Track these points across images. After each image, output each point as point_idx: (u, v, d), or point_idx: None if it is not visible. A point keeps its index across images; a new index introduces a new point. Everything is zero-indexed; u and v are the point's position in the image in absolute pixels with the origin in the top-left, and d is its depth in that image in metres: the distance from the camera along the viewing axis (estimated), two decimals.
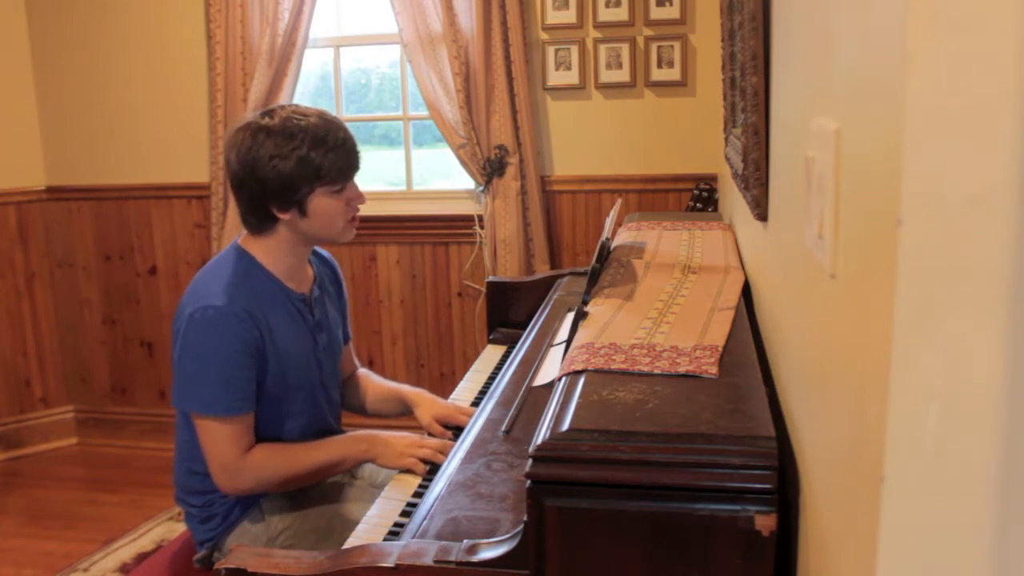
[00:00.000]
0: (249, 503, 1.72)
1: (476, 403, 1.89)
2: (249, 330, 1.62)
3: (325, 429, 1.83)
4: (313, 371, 1.77)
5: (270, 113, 1.66)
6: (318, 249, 1.90)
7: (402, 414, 1.99)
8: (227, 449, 1.63)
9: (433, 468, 1.60)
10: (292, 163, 1.61)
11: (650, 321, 1.36)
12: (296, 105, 1.70)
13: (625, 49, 3.13)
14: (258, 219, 1.69)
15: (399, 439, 1.70)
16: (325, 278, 1.88)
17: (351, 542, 1.37)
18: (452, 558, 1.07)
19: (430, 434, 1.83)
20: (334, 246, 1.92)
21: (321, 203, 1.66)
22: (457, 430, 1.77)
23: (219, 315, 1.60)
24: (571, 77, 3.18)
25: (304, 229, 1.69)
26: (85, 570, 2.73)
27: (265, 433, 1.70)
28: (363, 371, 2.07)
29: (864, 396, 0.62)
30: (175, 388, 1.66)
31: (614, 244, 2.03)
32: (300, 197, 1.64)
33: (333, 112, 1.74)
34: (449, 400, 1.94)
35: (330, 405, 1.86)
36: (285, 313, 1.71)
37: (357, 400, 2.03)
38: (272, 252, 1.71)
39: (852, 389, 0.67)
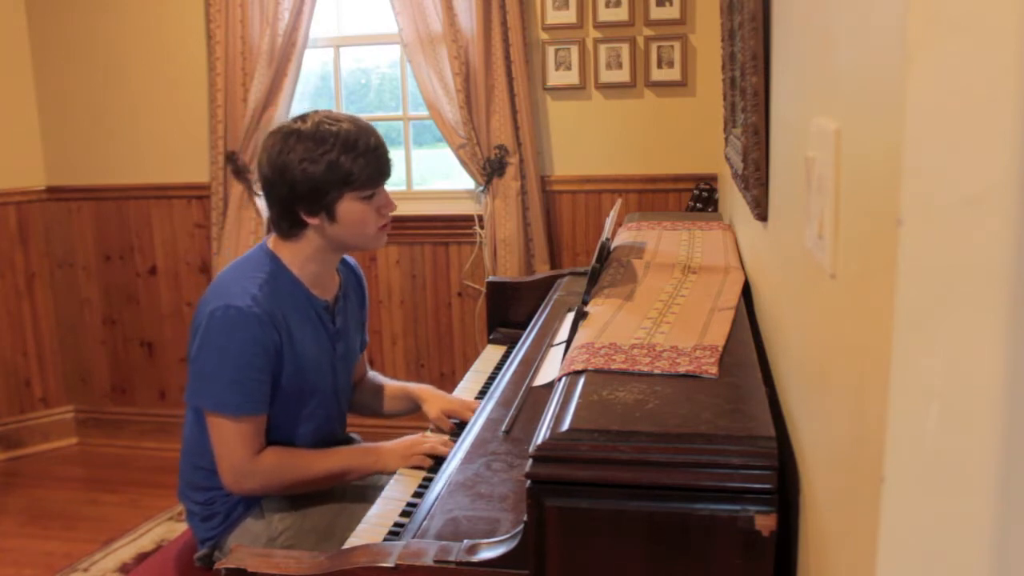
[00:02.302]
0: (251, 502, 1.73)
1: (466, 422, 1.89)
2: (268, 333, 1.62)
3: (332, 436, 1.84)
4: (328, 378, 1.78)
5: (303, 118, 1.66)
6: (346, 256, 1.90)
7: (410, 411, 2.01)
8: (237, 449, 1.63)
9: (439, 461, 1.62)
10: (322, 167, 1.61)
11: (650, 321, 1.36)
12: (330, 111, 1.69)
13: (625, 49, 3.13)
14: (288, 224, 1.68)
15: (400, 443, 1.72)
16: (350, 287, 1.88)
17: (351, 542, 1.37)
18: (452, 558, 1.07)
19: (437, 428, 1.86)
20: (366, 252, 1.92)
21: (350, 208, 1.66)
22: (460, 427, 1.78)
23: (240, 315, 1.60)
24: (571, 77, 3.18)
25: (333, 235, 1.68)
26: (85, 570, 2.74)
27: (275, 437, 1.70)
28: (372, 373, 2.08)
29: (864, 396, 0.62)
30: (189, 384, 1.67)
31: (614, 244, 2.03)
32: (329, 202, 1.64)
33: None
34: None
35: (339, 414, 1.88)
36: (306, 319, 1.71)
37: (373, 402, 2.04)
38: (300, 257, 1.71)
39: (852, 389, 0.67)
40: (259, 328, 1.60)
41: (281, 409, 1.69)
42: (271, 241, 1.74)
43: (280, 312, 1.65)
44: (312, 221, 1.66)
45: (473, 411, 1.78)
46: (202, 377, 1.64)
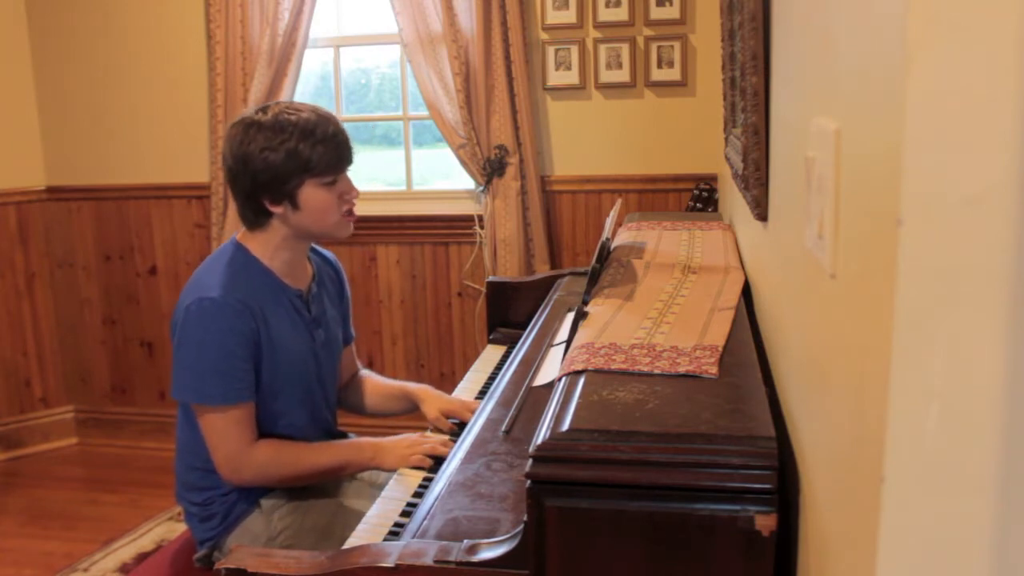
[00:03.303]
0: (250, 502, 1.73)
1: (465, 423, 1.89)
2: (246, 321, 1.63)
3: (321, 427, 1.84)
4: (310, 367, 1.78)
5: (264, 109, 1.69)
6: (321, 249, 1.91)
7: (407, 411, 2.00)
8: (230, 439, 1.64)
9: (439, 461, 1.62)
10: (281, 155, 1.63)
11: (650, 321, 1.36)
12: (291, 102, 1.72)
13: (625, 49, 3.13)
14: (254, 213, 1.70)
15: (400, 441, 1.72)
16: (325, 277, 1.88)
17: (351, 542, 1.37)
18: (452, 558, 1.07)
19: (435, 429, 1.85)
20: (333, 242, 1.93)
21: (312, 195, 1.67)
22: (459, 427, 1.78)
23: (215, 306, 1.61)
24: (571, 77, 3.18)
25: (297, 223, 1.70)
26: (85, 570, 2.73)
27: (263, 429, 1.70)
28: (365, 371, 2.08)
29: (864, 396, 0.62)
30: (174, 380, 1.67)
31: (614, 244, 2.03)
32: (290, 189, 1.66)
33: (333, 112, 1.75)
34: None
35: (327, 403, 1.87)
36: (281, 307, 1.72)
37: (358, 400, 2.03)
38: (269, 247, 1.72)
39: (852, 389, 0.67)
40: (235, 317, 1.62)
41: (263, 401, 1.69)
42: (240, 234, 1.76)
43: (255, 301, 1.66)
44: (276, 210, 1.68)
45: (472, 411, 1.78)
46: (185, 371, 1.65)
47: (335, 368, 1.91)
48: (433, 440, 1.72)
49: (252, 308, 1.64)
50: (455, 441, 1.57)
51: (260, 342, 1.66)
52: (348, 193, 1.73)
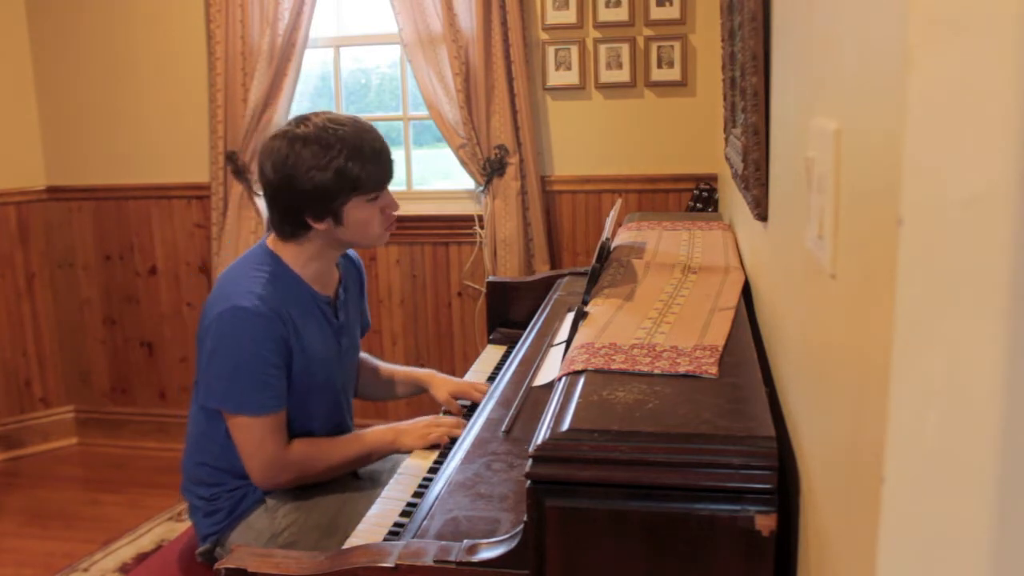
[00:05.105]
0: (255, 498, 1.73)
1: (476, 403, 1.90)
2: (278, 328, 1.64)
3: (343, 428, 1.87)
4: (335, 373, 1.81)
5: (304, 121, 1.66)
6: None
7: (412, 395, 2.08)
8: (267, 445, 1.66)
9: (451, 443, 1.66)
10: (330, 174, 1.62)
11: (650, 321, 1.36)
12: (329, 112, 1.70)
13: (625, 49, 3.13)
14: (292, 227, 1.70)
15: (417, 423, 1.77)
16: (350, 279, 1.90)
17: (351, 542, 1.37)
18: (452, 558, 1.07)
19: (446, 411, 1.91)
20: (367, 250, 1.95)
21: (357, 211, 1.68)
22: (470, 409, 1.83)
23: (248, 315, 1.61)
24: (571, 77, 3.18)
25: (339, 236, 1.71)
26: (85, 570, 2.73)
27: (289, 432, 1.72)
28: (363, 355, 2.09)
29: (864, 396, 0.62)
30: (205, 388, 1.68)
31: (614, 244, 2.03)
32: (336, 207, 1.66)
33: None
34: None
35: (348, 407, 1.91)
36: (311, 316, 1.73)
37: (371, 385, 2.08)
38: (301, 257, 1.73)
39: (852, 389, 0.67)
40: (268, 325, 1.62)
41: (293, 405, 1.71)
42: (270, 240, 1.75)
43: (286, 309, 1.67)
44: (319, 226, 1.68)
45: (480, 392, 1.86)
46: (220, 380, 1.65)
47: (355, 373, 1.96)
48: (448, 422, 1.77)
49: (284, 316, 1.65)
50: (469, 422, 1.58)
51: (291, 349, 1.67)
52: (389, 207, 1.74)
